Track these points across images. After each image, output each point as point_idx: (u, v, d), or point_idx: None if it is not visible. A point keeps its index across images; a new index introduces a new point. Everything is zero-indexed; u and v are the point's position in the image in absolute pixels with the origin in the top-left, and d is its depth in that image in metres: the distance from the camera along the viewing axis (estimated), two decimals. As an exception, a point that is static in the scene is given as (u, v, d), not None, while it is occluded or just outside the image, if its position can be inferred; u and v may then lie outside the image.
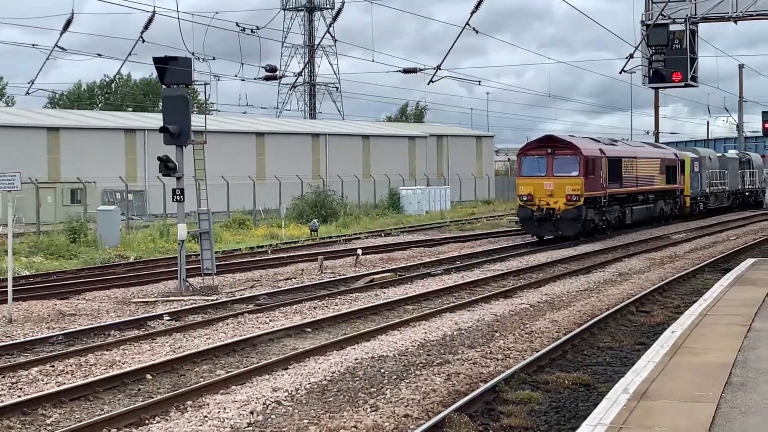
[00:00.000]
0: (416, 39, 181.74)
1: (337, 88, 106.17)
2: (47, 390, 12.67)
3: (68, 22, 27.30)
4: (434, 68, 31.23)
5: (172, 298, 21.74)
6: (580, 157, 35.26)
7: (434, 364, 13.96)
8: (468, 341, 15.78)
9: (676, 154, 48.06)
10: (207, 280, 23.59)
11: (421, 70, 32.53)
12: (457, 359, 14.24)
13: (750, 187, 61.31)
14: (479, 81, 37.75)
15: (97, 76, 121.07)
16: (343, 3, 29.78)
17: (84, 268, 28.19)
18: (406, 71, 32.97)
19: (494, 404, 11.70)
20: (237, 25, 28.01)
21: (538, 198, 35.27)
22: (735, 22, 55.28)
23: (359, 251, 29.39)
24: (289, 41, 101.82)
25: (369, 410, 11.38)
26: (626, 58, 38.55)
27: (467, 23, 28.32)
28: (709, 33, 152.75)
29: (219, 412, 11.41)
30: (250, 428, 10.84)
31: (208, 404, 11.85)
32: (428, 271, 26.51)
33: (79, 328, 17.57)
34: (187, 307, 20.27)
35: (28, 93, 28.88)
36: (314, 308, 19.85)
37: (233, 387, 12.72)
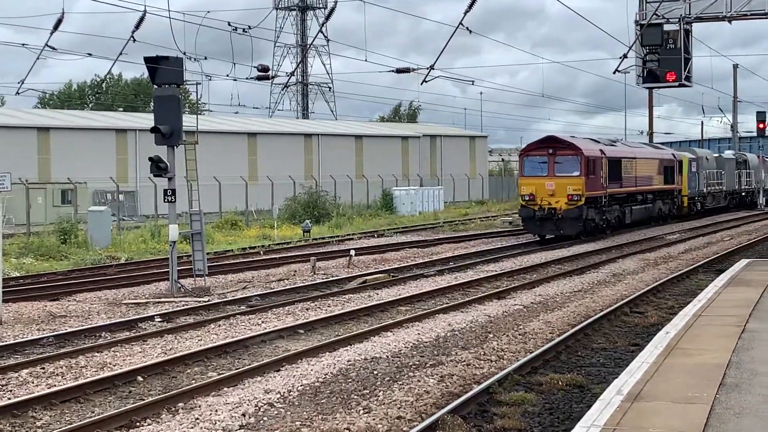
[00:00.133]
0: (409, 38, 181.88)
1: (330, 88, 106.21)
2: (37, 392, 12.58)
3: (59, 22, 27.20)
4: (427, 68, 31.21)
5: (163, 300, 21.64)
6: (581, 158, 35.73)
7: (427, 365, 13.89)
8: (461, 342, 15.72)
9: (674, 155, 48.63)
10: (199, 281, 23.49)
11: (414, 70, 32.50)
12: (451, 360, 14.18)
13: (746, 187, 61.89)
14: (473, 81, 37.86)
15: (88, 76, 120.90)
16: (335, 2, 29.71)
17: (75, 269, 28.07)
18: (399, 71, 32.94)
19: (488, 406, 11.65)
20: (229, 24, 27.93)
21: (540, 198, 35.76)
22: (729, 21, 55.44)
23: (352, 252, 29.33)
24: (282, 41, 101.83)
25: (362, 412, 11.31)
26: (620, 57, 38.59)
27: (460, 23, 28.29)
28: (704, 33, 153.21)
29: (211, 414, 11.32)
30: (242, 430, 10.76)
31: (199, 406, 11.76)
32: (421, 272, 26.45)
33: (69, 330, 17.47)
34: (178, 308, 20.18)
35: (18, 93, 28.78)
36: (307, 309, 19.77)
37: (225, 389, 12.64)
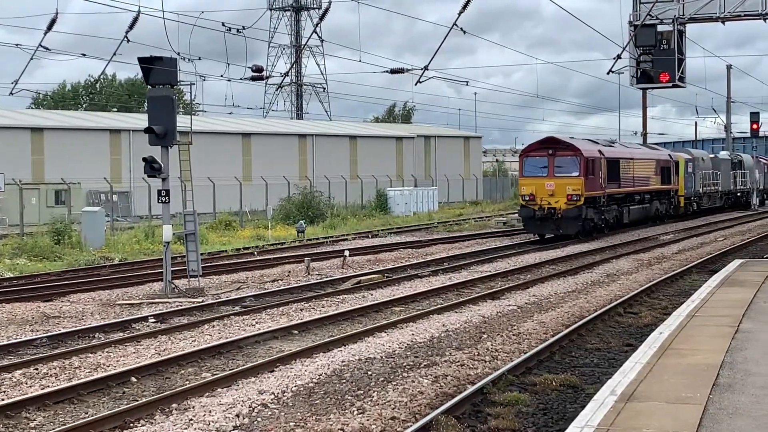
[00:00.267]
0: (404, 39, 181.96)
1: (324, 88, 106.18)
2: (31, 393, 12.56)
3: (52, 22, 27.18)
4: (422, 68, 31.23)
5: (157, 300, 21.61)
6: (581, 158, 36.20)
7: (421, 366, 13.89)
8: (455, 343, 15.72)
9: (670, 156, 49.10)
10: (193, 281, 23.47)
11: (408, 70, 32.52)
12: (445, 361, 14.18)
13: (741, 187, 62.36)
14: (467, 81, 38.00)
15: (82, 76, 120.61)
16: (330, 3, 29.70)
17: (68, 270, 28.02)
18: (393, 71, 32.95)
19: (482, 406, 11.65)
20: (223, 24, 27.91)
21: (540, 198, 36.22)
22: (723, 22, 55.58)
23: (346, 253, 29.32)
24: (276, 41, 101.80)
25: (356, 413, 11.30)
26: (614, 58, 38.69)
27: (455, 23, 28.31)
28: (697, 33, 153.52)
29: (205, 415, 11.31)
30: (236, 431, 10.75)
31: (193, 407, 11.75)
32: (416, 272, 26.45)
33: (63, 331, 17.44)
34: (172, 309, 20.16)
35: (11, 93, 28.78)
36: (301, 310, 19.76)
37: (219, 390, 12.63)
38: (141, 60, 22.79)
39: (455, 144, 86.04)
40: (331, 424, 10.80)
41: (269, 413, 11.44)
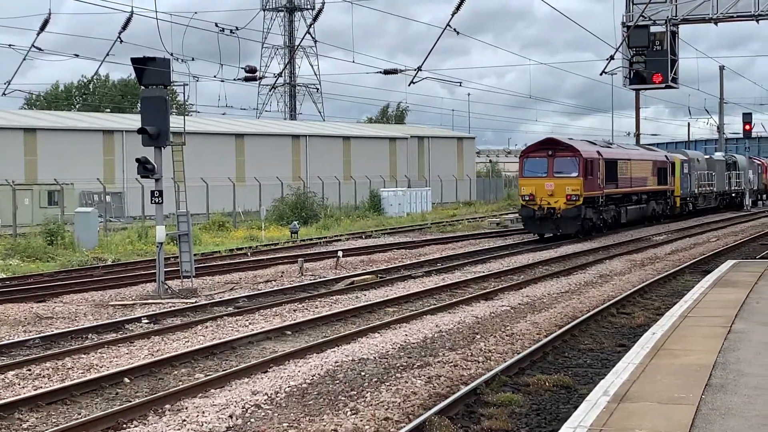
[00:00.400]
0: (397, 40, 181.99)
1: (318, 89, 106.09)
2: (24, 394, 12.53)
3: (45, 22, 27.15)
4: (415, 69, 31.26)
5: (150, 301, 21.59)
6: (580, 159, 36.82)
7: (415, 366, 13.90)
8: (449, 343, 15.73)
9: (667, 157, 49.81)
10: (186, 282, 23.44)
11: (401, 71, 32.55)
12: (438, 362, 14.19)
13: (736, 188, 62.92)
14: (460, 82, 38.18)
15: (75, 77, 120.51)
16: (323, 3, 29.72)
17: (61, 270, 27.97)
18: (386, 72, 32.99)
19: (475, 407, 11.66)
20: (216, 25, 27.91)
21: (540, 198, 36.82)
22: (716, 23, 55.68)
23: (340, 253, 29.32)
24: (269, 42, 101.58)
25: (349, 413, 11.31)
26: (607, 59, 38.79)
27: (448, 24, 28.34)
28: (690, 34, 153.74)
29: (198, 416, 11.30)
30: (229, 432, 10.75)
31: (186, 408, 11.74)
32: (409, 273, 26.45)
33: (56, 332, 17.42)
34: (165, 309, 20.14)
35: (4, 94, 28.71)
36: (294, 311, 19.75)
37: (212, 390, 12.62)
38: (134, 60, 22.77)
39: (449, 145, 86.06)
40: (325, 425, 10.80)
41: (262, 414, 11.43)
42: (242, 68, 29.44)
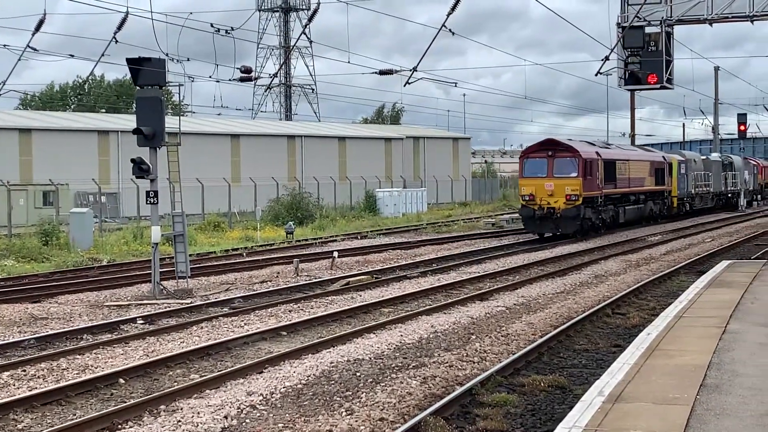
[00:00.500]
0: (393, 40, 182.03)
1: (313, 89, 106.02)
2: (19, 395, 12.52)
3: (40, 23, 27.13)
4: (410, 70, 31.28)
5: (145, 302, 21.57)
6: (579, 160, 37.35)
7: (410, 367, 13.90)
8: (444, 344, 15.74)
9: (664, 157, 50.37)
10: (181, 283, 23.42)
11: (397, 71, 32.57)
12: (433, 362, 14.19)
13: (732, 188, 63.35)
14: (455, 83, 38.37)
15: (70, 77, 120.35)
16: (318, 4, 29.72)
17: (56, 271, 27.93)
18: (382, 73, 33.02)
19: (470, 407, 11.67)
20: (212, 25, 27.91)
21: (540, 198, 37.34)
22: (710, 24, 55.76)
23: (335, 254, 29.31)
24: (265, 42, 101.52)
25: (344, 414, 11.31)
26: (602, 60, 38.92)
27: (443, 25, 28.37)
28: (685, 35, 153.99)
29: (193, 416, 11.30)
30: (224, 433, 10.74)
31: (181, 409, 11.74)
32: (404, 273, 26.46)
33: (51, 332, 17.40)
34: (160, 310, 20.12)
35: (-1, 94, 28.61)
36: (290, 311, 19.74)
37: (207, 391, 12.62)
38: (129, 61, 22.76)
39: (444, 145, 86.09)
40: (320, 426, 10.80)
41: (257, 414, 11.43)
42: (237, 68, 29.44)
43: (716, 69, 71.19)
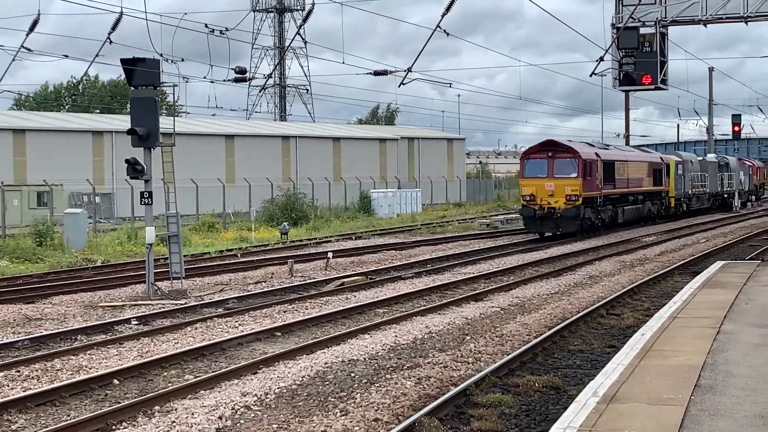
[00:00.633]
0: (387, 41, 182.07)
1: (308, 90, 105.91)
2: (12, 395, 12.50)
3: (34, 23, 27.08)
4: (405, 70, 31.29)
5: (140, 302, 21.55)
6: (579, 160, 37.98)
7: (405, 367, 13.90)
8: (439, 345, 15.74)
9: (662, 158, 50.99)
10: (176, 283, 23.40)
11: (391, 72, 32.58)
12: (428, 363, 14.19)
13: (728, 189, 63.90)
14: (450, 83, 38.39)
15: (64, 78, 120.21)
16: (313, 4, 29.71)
17: (50, 271, 27.89)
18: (376, 73, 33.03)
19: (465, 408, 11.67)
20: (206, 26, 27.90)
21: (540, 198, 37.96)
22: (705, 25, 55.82)
23: (330, 254, 29.30)
24: (259, 43, 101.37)
25: (339, 414, 11.30)
26: (597, 60, 39.04)
27: (438, 25, 28.37)
28: (680, 36, 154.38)
29: (187, 417, 11.29)
30: (219, 434, 10.73)
31: (176, 409, 11.72)
32: (399, 274, 26.46)
33: (45, 333, 17.37)
34: (155, 311, 20.10)
35: (-6, 94, 28.57)
36: (284, 312, 19.74)
37: (202, 392, 12.60)
38: (124, 61, 22.73)
39: (439, 146, 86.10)
40: (314, 426, 10.80)
41: (252, 415, 11.42)
42: (232, 69, 29.43)
43: (710, 70, 71.34)
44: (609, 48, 46.58)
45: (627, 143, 60.39)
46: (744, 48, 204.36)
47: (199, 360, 15.03)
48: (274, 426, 10.90)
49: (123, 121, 54.57)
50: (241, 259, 31.16)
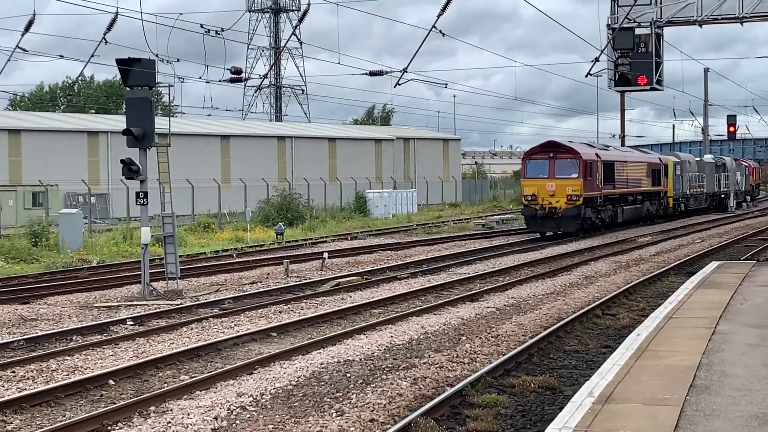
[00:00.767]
0: (383, 41, 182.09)
1: (303, 90, 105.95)
2: (8, 396, 12.48)
3: (30, 23, 27.04)
4: (401, 71, 31.29)
5: (135, 303, 21.52)
6: (580, 161, 38.54)
7: (400, 368, 13.90)
8: (434, 345, 15.74)
9: (660, 159, 51.52)
10: (171, 284, 23.38)
11: (387, 72, 32.58)
12: (424, 363, 14.19)
13: (725, 189, 64.25)
14: (446, 84, 38.41)
15: (60, 78, 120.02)
16: (308, 5, 29.71)
17: (46, 272, 27.86)
18: (372, 74, 33.04)
19: (460, 408, 11.67)
20: (201, 26, 27.88)
21: (541, 198, 38.49)
22: (700, 26, 55.91)
23: (325, 255, 29.29)
24: (255, 43, 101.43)
25: (334, 415, 11.30)
26: (592, 61, 39.11)
27: (434, 26, 28.38)
28: (675, 37, 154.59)
29: (183, 417, 11.28)
30: (214, 434, 10.72)
31: (171, 410, 11.71)
32: (395, 274, 26.45)
33: (40, 333, 17.34)
34: (150, 311, 20.08)
35: (-12, 95, 28.55)
36: (280, 312, 19.73)
37: (197, 392, 12.59)
38: (119, 61, 22.70)
39: (434, 146, 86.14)
40: (310, 427, 10.79)
41: (247, 416, 11.42)
42: (228, 69, 29.40)
43: (706, 70, 71.48)
44: (604, 49, 46.66)
45: (623, 144, 60.45)
46: (739, 49, 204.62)
47: (195, 360, 15.01)
48: (270, 426, 10.90)
49: (118, 122, 54.52)
50: (237, 260, 31.14)
